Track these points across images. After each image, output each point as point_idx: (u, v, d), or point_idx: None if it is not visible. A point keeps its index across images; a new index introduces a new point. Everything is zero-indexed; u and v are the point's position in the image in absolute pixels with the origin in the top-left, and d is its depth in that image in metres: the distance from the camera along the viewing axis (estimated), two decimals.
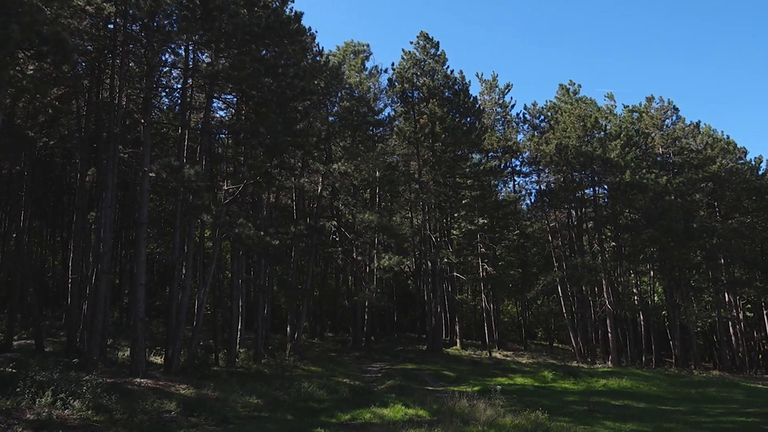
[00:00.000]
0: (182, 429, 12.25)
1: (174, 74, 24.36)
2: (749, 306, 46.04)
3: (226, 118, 27.88)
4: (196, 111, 26.32)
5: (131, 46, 20.13)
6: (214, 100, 23.38)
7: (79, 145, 24.23)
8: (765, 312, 44.49)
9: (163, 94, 27.38)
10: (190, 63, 21.33)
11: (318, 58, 31.41)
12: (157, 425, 12.34)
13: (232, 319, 25.16)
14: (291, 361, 26.72)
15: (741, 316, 44.35)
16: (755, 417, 18.04)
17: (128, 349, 20.67)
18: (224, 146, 28.43)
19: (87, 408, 12.24)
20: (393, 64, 38.59)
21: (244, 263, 30.63)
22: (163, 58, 20.98)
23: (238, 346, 25.80)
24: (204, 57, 22.07)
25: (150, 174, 18.89)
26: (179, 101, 24.47)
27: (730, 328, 43.84)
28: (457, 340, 39.88)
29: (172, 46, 20.61)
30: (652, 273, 43.60)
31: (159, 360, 21.26)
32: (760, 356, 48.56)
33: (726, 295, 43.57)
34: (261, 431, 12.64)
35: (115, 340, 25.27)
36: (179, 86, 23.26)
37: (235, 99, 23.99)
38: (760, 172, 46.19)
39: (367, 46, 39.12)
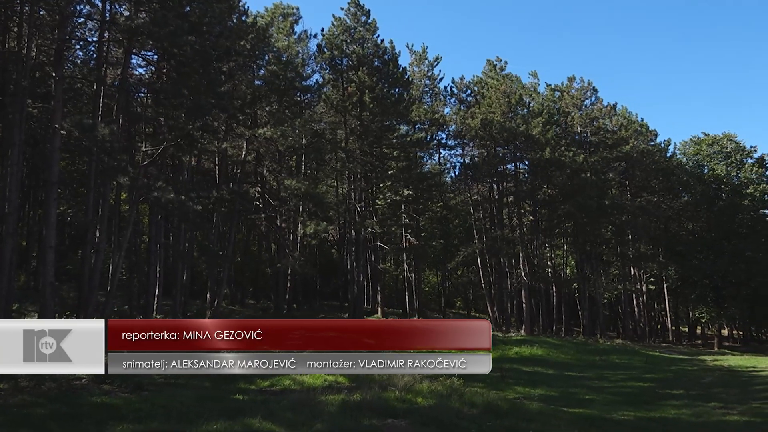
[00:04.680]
0: (93, 396, 11.90)
1: (89, 26, 23.02)
2: (651, 279, 49.18)
3: (146, 76, 26.59)
4: (113, 67, 24.99)
5: None
6: (133, 56, 22.31)
7: None
8: (665, 285, 47.72)
9: (78, 47, 25.86)
10: (107, 15, 20.18)
11: (244, 18, 30.35)
12: (66, 393, 11.94)
13: (149, 284, 24.52)
14: None
15: (644, 288, 47.38)
16: (651, 382, 19.56)
17: (36, 314, 19.74)
18: (143, 105, 27.15)
19: None
20: (323, 30, 37.61)
21: (163, 227, 29.75)
22: (78, 8, 19.76)
23: (155, 313, 25.20)
24: (122, 10, 20.92)
25: (61, 132, 17.88)
26: (95, 55, 23.20)
27: (634, 300, 46.74)
28: (379, 309, 40.44)
29: None
30: (565, 247, 45.73)
31: None
32: (659, 326, 52.24)
33: (631, 269, 46.39)
34: (177, 398, 12.44)
35: (21, 305, 23.96)
36: (95, 39, 22.03)
37: (155, 56, 22.92)
38: (668, 154, 49.26)
39: (297, 9, 38.06)
